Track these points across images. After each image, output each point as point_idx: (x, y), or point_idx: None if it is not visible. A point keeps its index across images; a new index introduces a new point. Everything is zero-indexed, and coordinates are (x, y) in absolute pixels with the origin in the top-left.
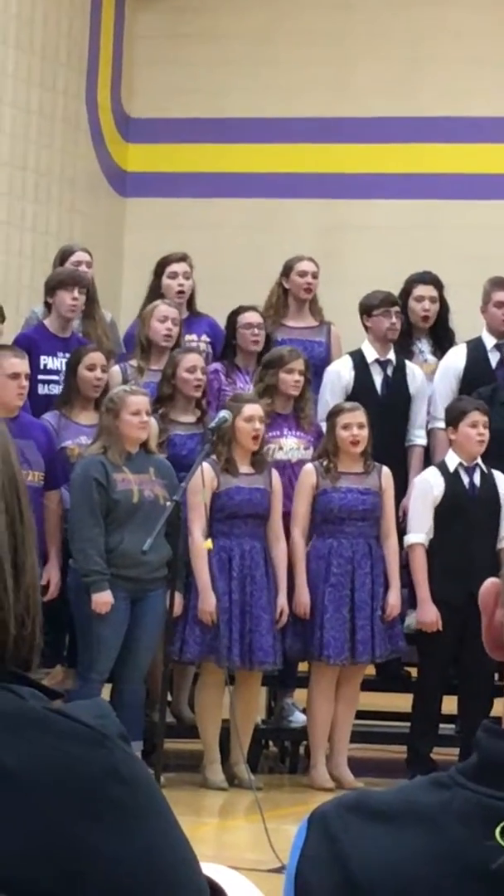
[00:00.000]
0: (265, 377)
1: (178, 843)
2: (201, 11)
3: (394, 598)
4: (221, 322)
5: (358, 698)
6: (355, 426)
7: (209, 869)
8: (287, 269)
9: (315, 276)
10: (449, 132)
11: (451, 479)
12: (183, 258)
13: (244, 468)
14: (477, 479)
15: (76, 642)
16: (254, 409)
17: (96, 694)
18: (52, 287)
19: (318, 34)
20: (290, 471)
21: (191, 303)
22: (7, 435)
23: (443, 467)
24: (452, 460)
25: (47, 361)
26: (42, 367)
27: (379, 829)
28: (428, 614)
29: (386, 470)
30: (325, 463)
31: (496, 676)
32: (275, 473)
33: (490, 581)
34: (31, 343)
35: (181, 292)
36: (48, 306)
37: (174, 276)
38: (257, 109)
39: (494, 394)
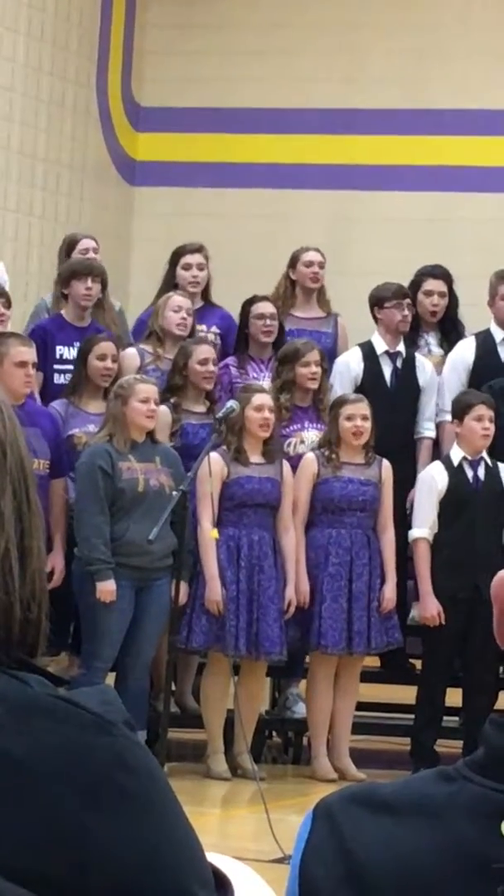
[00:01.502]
0: (282, 373)
1: (184, 832)
2: (212, 1)
3: (389, 591)
4: (231, 312)
5: (357, 689)
6: (359, 417)
7: (214, 858)
8: (293, 260)
9: (321, 265)
10: (460, 125)
11: (455, 472)
12: (199, 249)
13: (255, 458)
14: (481, 472)
15: (81, 630)
16: (263, 399)
17: (100, 681)
18: (66, 277)
19: (330, 25)
20: None
21: (206, 294)
22: (16, 421)
23: (447, 461)
24: (457, 454)
25: (63, 351)
26: (59, 356)
27: (384, 821)
28: (428, 608)
29: (386, 463)
30: (326, 452)
31: (501, 669)
32: (286, 464)
33: (502, 573)
34: (47, 333)
35: (195, 283)
36: (64, 297)
37: (188, 267)
38: (267, 100)
39: None
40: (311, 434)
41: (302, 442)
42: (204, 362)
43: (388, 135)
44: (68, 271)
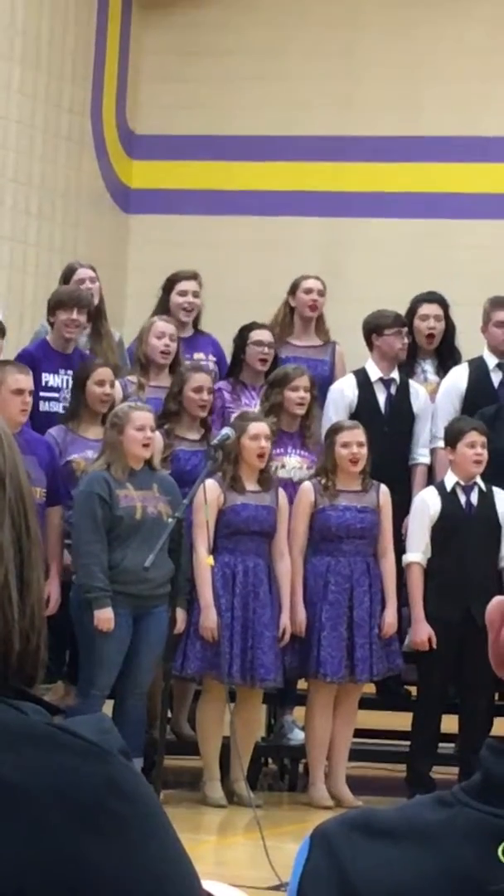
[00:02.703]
0: (270, 395)
1: (179, 859)
2: (207, 28)
3: (390, 616)
4: (225, 340)
5: (356, 716)
6: (355, 444)
7: (210, 885)
8: (293, 287)
9: (321, 293)
10: (455, 151)
11: (448, 498)
12: (194, 276)
13: (250, 486)
14: (474, 498)
15: (77, 658)
16: (260, 428)
17: (97, 710)
18: (52, 307)
19: (324, 52)
20: (291, 489)
21: (196, 322)
22: (16, 450)
23: (440, 487)
24: (450, 480)
25: (48, 379)
26: (44, 384)
27: (382, 847)
28: (420, 634)
29: (384, 488)
30: (323, 481)
31: (496, 695)
32: (281, 492)
33: (497, 599)
34: (34, 360)
35: (189, 310)
36: (51, 324)
37: (184, 293)
38: (262, 127)
39: (498, 413)
40: (294, 460)
41: (283, 466)
42: (199, 390)
43: (383, 162)
44: (54, 300)
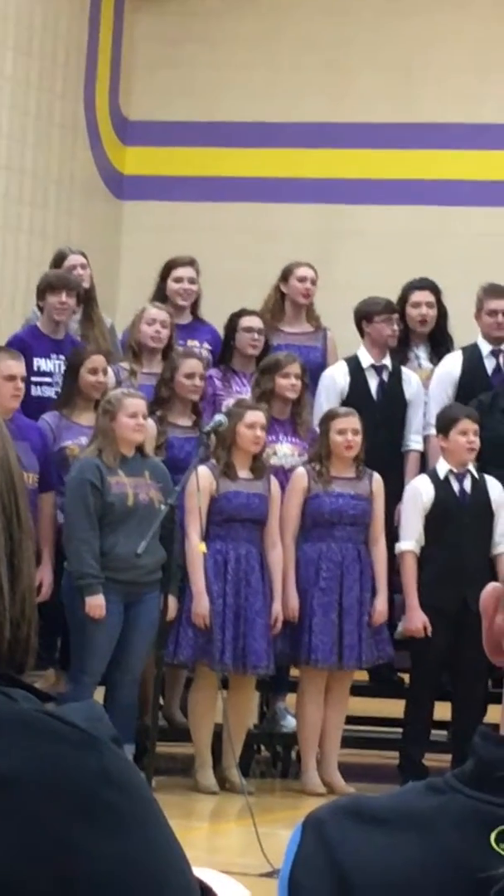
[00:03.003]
0: (262, 382)
1: (170, 847)
2: (200, 15)
3: (381, 604)
4: (218, 326)
5: (347, 703)
6: (350, 432)
7: (201, 873)
8: (286, 274)
9: (314, 282)
10: (447, 139)
11: (441, 485)
12: (190, 262)
13: (243, 473)
14: (467, 485)
15: (69, 645)
16: (256, 416)
17: (89, 696)
18: (41, 290)
19: (318, 39)
20: (283, 476)
21: (195, 309)
22: (7, 438)
23: (433, 474)
24: (443, 467)
25: (40, 363)
26: (35, 368)
27: (374, 834)
28: (414, 622)
29: (377, 476)
30: (317, 467)
31: (490, 682)
32: (273, 480)
33: (491, 586)
34: (24, 345)
35: (185, 296)
36: (41, 309)
37: (179, 279)
38: (255, 114)
39: (494, 400)
40: (285, 447)
41: (275, 454)
42: (190, 376)
43: (376, 149)
44: (43, 284)
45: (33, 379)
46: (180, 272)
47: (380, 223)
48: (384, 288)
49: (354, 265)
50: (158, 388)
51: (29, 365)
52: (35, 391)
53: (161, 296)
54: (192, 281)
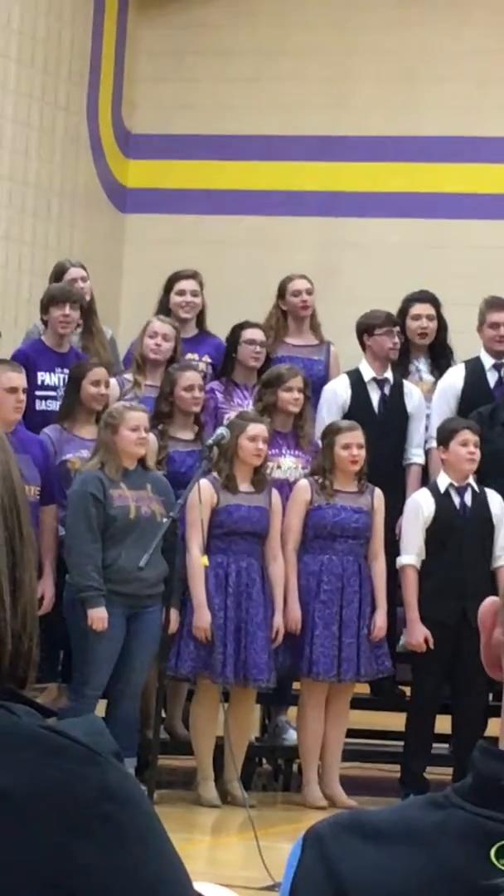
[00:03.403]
0: (264, 396)
1: (171, 862)
2: (203, 28)
3: (380, 619)
4: (222, 338)
5: (348, 716)
6: (355, 446)
7: (202, 887)
8: (282, 290)
9: (310, 292)
10: (449, 152)
11: (442, 499)
12: (193, 275)
13: (244, 486)
14: (468, 499)
15: (71, 658)
16: (258, 429)
17: (91, 710)
18: (44, 304)
19: (320, 53)
20: (287, 489)
21: (200, 322)
22: (9, 451)
23: (434, 488)
24: (443, 481)
25: (45, 377)
26: (39, 383)
27: (374, 848)
28: (416, 636)
29: (378, 491)
30: (319, 480)
31: (490, 696)
32: (275, 492)
33: (489, 600)
34: (28, 359)
35: (188, 308)
36: (45, 323)
37: (182, 292)
38: (258, 127)
39: (494, 413)
40: (288, 460)
41: (279, 467)
42: (189, 389)
43: (378, 162)
44: (46, 297)
45: (37, 393)
46: (183, 285)
47: (382, 236)
48: (386, 301)
49: (356, 278)
50: (158, 402)
51: (33, 379)
52: (39, 405)
53: (164, 309)
54: (194, 294)
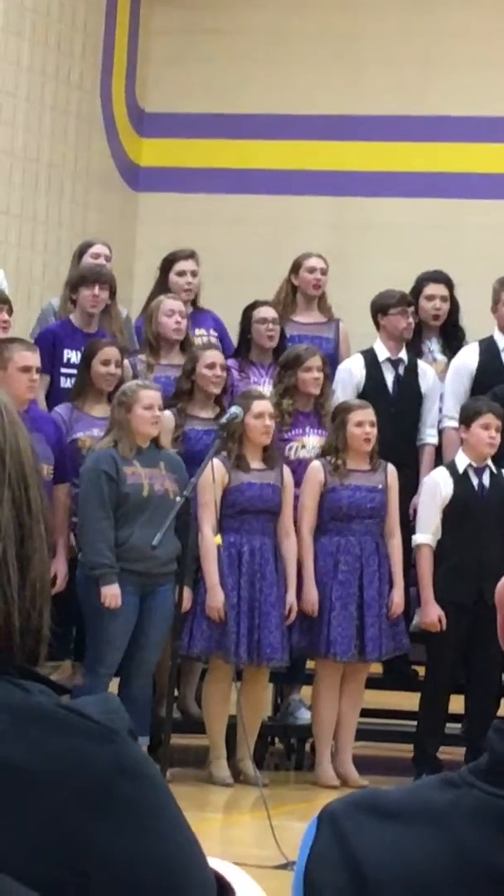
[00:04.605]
0: (284, 378)
1: (186, 839)
2: (216, 7)
3: (398, 596)
4: (233, 318)
5: (363, 696)
6: (368, 424)
7: (215, 864)
8: (296, 266)
9: (324, 272)
10: (461, 131)
11: (460, 479)
12: (191, 255)
13: (255, 464)
14: (486, 480)
15: (84, 636)
16: (263, 406)
17: (104, 688)
18: (74, 284)
19: (332, 31)
20: None
21: (195, 299)
22: (18, 425)
23: (452, 468)
24: (462, 461)
25: (71, 356)
26: (66, 360)
27: (389, 827)
28: (429, 615)
29: (391, 468)
30: (332, 460)
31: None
32: (286, 469)
33: None
34: (55, 337)
35: (189, 289)
36: (73, 302)
37: (182, 273)
38: (271, 106)
39: None
40: (313, 439)
41: (303, 447)
42: (212, 366)
43: (390, 141)
44: (77, 277)
45: (63, 371)
46: (183, 265)
47: (394, 216)
48: (399, 281)
49: (369, 258)
50: (180, 380)
51: (59, 357)
52: (64, 383)
53: (163, 290)
54: (194, 274)
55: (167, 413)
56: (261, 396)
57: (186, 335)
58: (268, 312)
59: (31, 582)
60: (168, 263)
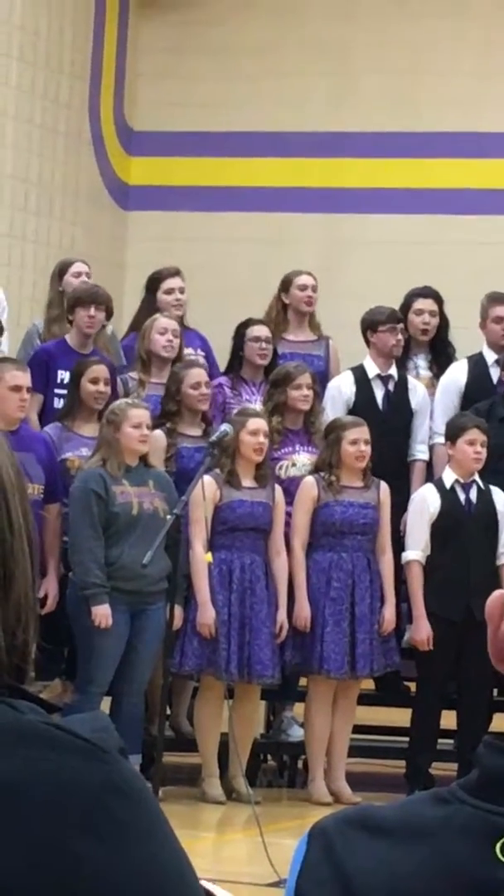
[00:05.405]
0: (274, 395)
1: (176, 859)
2: (205, 25)
3: (389, 613)
4: (224, 336)
5: (355, 712)
6: (362, 442)
7: (204, 884)
8: (286, 284)
9: (315, 289)
10: (452, 147)
11: (448, 495)
12: (177, 272)
13: (247, 482)
14: (473, 495)
15: (75, 655)
16: (258, 424)
17: (95, 707)
18: (71, 304)
19: (322, 48)
20: None
21: (181, 317)
22: (1, 443)
23: (439, 484)
24: (449, 477)
25: (64, 376)
26: (59, 381)
27: (380, 844)
28: (420, 632)
29: (384, 485)
30: (326, 476)
31: (495, 692)
32: (277, 488)
33: (497, 593)
34: (50, 356)
35: (178, 306)
36: (70, 322)
37: (171, 291)
38: (260, 123)
39: (492, 409)
40: (303, 457)
41: (293, 465)
42: (196, 386)
43: (380, 157)
44: (73, 298)
45: (56, 391)
46: (170, 283)
47: (384, 232)
48: (389, 297)
49: (359, 274)
50: (165, 401)
51: (53, 377)
52: (57, 403)
53: (150, 308)
54: (181, 291)
55: (157, 432)
56: (256, 414)
57: (179, 354)
58: (261, 331)
59: (14, 599)
60: (154, 282)
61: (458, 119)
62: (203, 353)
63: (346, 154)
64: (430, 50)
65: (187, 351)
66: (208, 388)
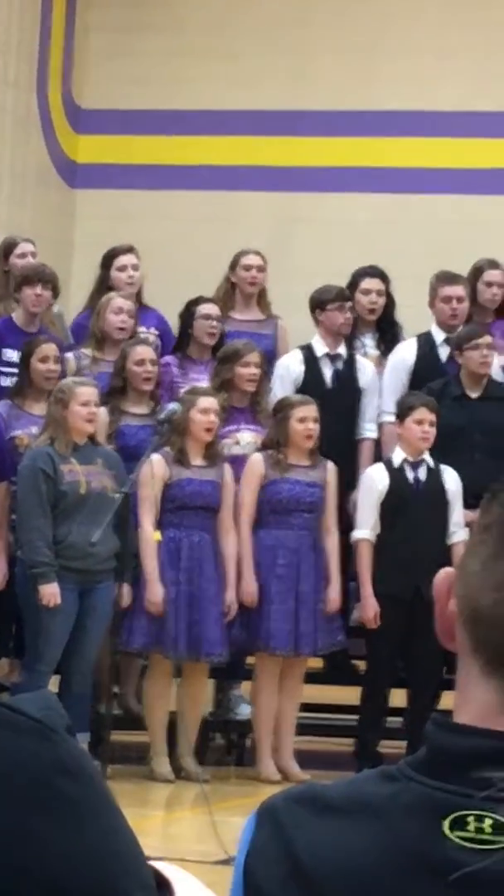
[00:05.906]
0: (221, 372)
1: (124, 837)
2: (153, 3)
3: (334, 592)
4: (173, 314)
5: (302, 690)
6: (310, 420)
7: (154, 863)
8: (234, 263)
9: (261, 269)
10: (405, 126)
11: (396, 474)
12: (130, 249)
13: (197, 460)
14: (422, 474)
15: (23, 634)
16: (209, 402)
17: (44, 685)
18: (18, 284)
19: (275, 25)
20: (245, 465)
21: (139, 295)
22: None
23: (388, 463)
24: (398, 456)
25: (11, 355)
26: (6, 360)
27: (328, 821)
28: (367, 610)
29: (331, 465)
30: (273, 454)
31: (444, 670)
32: (227, 467)
33: (444, 571)
34: None
35: (131, 284)
36: (17, 301)
37: (123, 268)
38: (210, 101)
39: (445, 388)
40: (247, 435)
41: (237, 443)
42: (141, 363)
43: (333, 136)
44: (20, 277)
45: (3, 370)
46: (123, 260)
47: (335, 211)
48: (340, 276)
49: (310, 253)
50: (112, 378)
51: (0, 355)
52: (4, 381)
53: (105, 286)
54: (135, 268)
55: (101, 410)
56: (208, 393)
57: (133, 334)
58: (211, 309)
59: None
60: (108, 259)
61: (414, 98)
62: (157, 332)
63: (301, 133)
64: (387, 29)
65: (140, 329)
66: (154, 365)
